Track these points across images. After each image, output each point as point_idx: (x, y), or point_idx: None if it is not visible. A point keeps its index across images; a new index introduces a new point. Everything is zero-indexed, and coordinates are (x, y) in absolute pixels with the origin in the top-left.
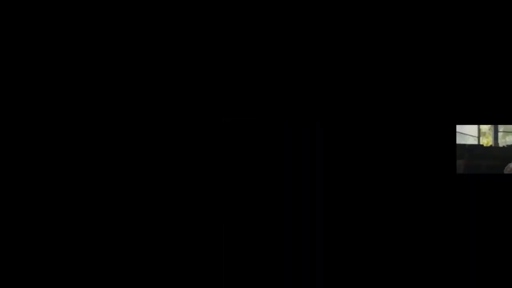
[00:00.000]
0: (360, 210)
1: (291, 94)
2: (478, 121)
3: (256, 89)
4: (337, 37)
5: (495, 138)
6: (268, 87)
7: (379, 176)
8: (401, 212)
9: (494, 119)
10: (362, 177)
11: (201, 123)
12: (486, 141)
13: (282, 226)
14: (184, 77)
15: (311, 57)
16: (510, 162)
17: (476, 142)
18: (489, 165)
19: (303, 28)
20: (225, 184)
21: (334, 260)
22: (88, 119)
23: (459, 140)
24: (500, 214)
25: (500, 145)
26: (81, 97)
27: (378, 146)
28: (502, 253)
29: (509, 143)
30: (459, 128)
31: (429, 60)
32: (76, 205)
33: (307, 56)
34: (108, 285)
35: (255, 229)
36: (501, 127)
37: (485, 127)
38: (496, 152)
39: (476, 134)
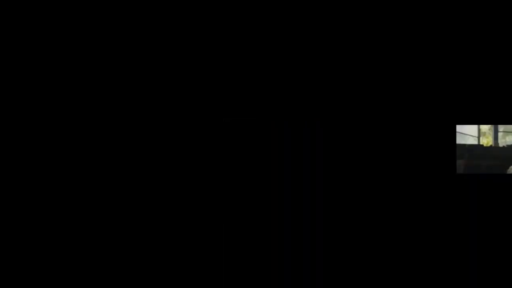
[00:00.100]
0: (360, 210)
1: (291, 94)
2: (478, 121)
3: (256, 89)
4: (337, 37)
5: (495, 138)
6: (268, 87)
7: (379, 176)
8: (401, 212)
9: (494, 119)
10: (362, 177)
11: (201, 123)
12: (486, 141)
13: (282, 226)
14: (184, 77)
15: (311, 58)
16: (510, 162)
17: (476, 142)
18: (489, 165)
19: (302, 28)
20: (225, 184)
21: (334, 260)
22: (89, 119)
23: (459, 140)
24: (500, 214)
25: (500, 145)
26: (81, 97)
27: (378, 146)
28: (502, 253)
29: (509, 143)
30: (459, 128)
31: (429, 60)
32: (76, 205)
33: (307, 57)
34: (108, 285)
35: (255, 229)
36: (501, 127)
37: (485, 127)
38: (496, 152)
39: (476, 134)
